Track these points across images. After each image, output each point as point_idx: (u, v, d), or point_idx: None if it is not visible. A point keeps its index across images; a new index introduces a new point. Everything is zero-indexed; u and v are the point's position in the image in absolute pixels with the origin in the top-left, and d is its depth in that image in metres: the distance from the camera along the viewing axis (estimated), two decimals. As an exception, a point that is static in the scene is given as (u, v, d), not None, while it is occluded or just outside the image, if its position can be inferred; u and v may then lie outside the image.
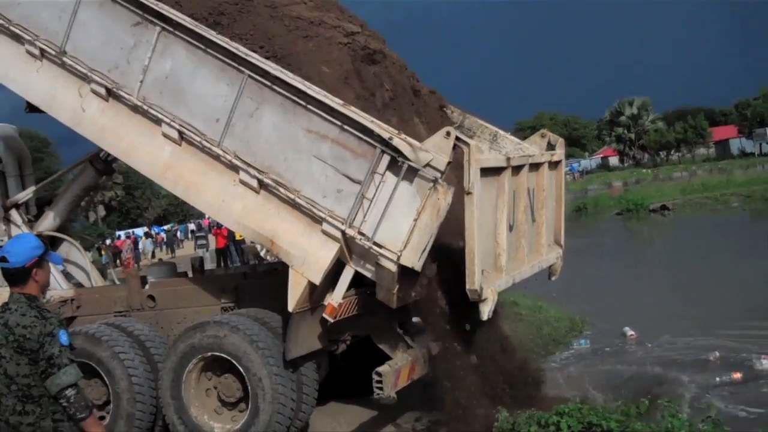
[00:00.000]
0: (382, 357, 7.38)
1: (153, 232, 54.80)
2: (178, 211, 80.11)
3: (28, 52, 8.09)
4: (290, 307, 6.89)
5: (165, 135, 7.41)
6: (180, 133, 7.32)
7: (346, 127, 6.55)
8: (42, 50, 7.97)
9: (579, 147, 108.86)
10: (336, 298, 6.80)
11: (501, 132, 9.07)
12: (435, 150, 6.24)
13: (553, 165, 8.52)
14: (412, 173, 6.32)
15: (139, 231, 56.64)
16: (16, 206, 9.74)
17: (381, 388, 6.83)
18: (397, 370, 7.05)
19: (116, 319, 8.41)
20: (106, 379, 7.77)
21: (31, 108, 8.61)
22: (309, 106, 6.70)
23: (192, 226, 62.19)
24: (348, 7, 8.96)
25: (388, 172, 6.42)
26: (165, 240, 52.03)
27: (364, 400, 8.12)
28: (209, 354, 7.33)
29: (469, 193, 6.33)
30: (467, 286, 6.47)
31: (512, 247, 7.30)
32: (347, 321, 7.21)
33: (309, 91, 6.65)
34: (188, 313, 8.10)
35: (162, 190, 77.18)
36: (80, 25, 7.77)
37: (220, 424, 7.46)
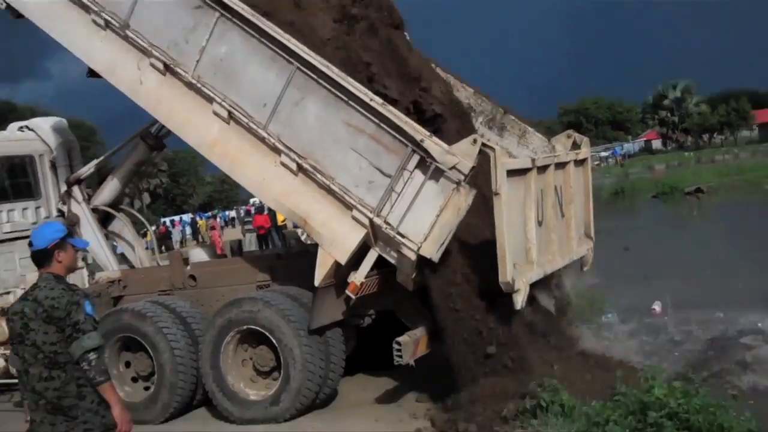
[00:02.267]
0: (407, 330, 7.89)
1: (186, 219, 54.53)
2: (222, 197, 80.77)
3: (94, 22, 8.60)
4: (316, 282, 7.58)
5: (215, 113, 8.00)
6: (229, 113, 7.91)
7: (382, 125, 7.13)
8: (107, 21, 8.50)
9: (623, 130, 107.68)
10: (359, 277, 7.45)
11: (530, 129, 9.50)
12: (461, 155, 6.80)
13: (579, 162, 8.93)
14: (438, 173, 6.90)
15: (186, 217, 56.61)
16: (78, 182, 10.32)
17: (401, 356, 7.39)
18: (416, 340, 7.61)
19: (160, 297, 9.04)
20: (150, 352, 8.44)
21: (92, 73, 9.17)
22: (350, 102, 7.27)
23: (232, 214, 62.88)
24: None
25: (416, 170, 7.02)
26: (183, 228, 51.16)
27: (391, 371, 8.61)
28: (245, 327, 8.01)
29: (497, 194, 6.78)
30: (500, 279, 6.84)
31: (542, 241, 7.71)
32: (371, 297, 7.85)
33: (351, 89, 7.22)
34: (226, 291, 8.64)
35: (206, 177, 78.13)
36: (144, 2, 8.31)
37: (255, 391, 8.18)
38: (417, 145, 6.94)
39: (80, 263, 10.01)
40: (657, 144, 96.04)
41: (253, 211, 31.95)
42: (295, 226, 11.42)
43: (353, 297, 7.52)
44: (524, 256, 7.36)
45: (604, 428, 5.56)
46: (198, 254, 10.16)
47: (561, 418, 6.56)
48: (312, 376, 7.79)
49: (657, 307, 12.05)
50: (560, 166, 8.34)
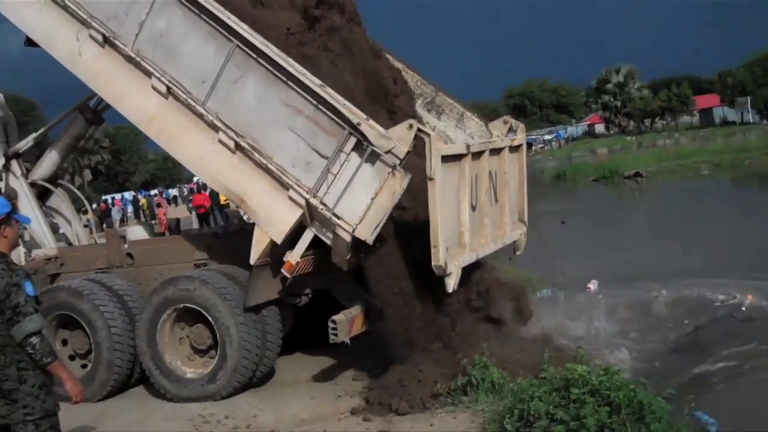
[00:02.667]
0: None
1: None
2: (165, 175, 79.32)
3: None
4: (252, 260, 7.62)
5: (154, 88, 7.93)
6: (168, 88, 7.84)
7: (320, 106, 7.16)
8: None
9: (567, 114, 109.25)
10: (295, 256, 7.51)
11: (468, 113, 9.62)
12: (397, 139, 6.88)
13: (515, 149, 9.08)
14: (374, 157, 6.98)
15: (127, 195, 55.62)
16: (17, 156, 10.10)
17: (336, 335, 7.51)
18: (351, 319, 7.71)
19: (97, 275, 8.95)
20: (87, 330, 8.41)
21: (30, 42, 8.99)
22: (289, 82, 7.28)
23: (174, 192, 61.99)
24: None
25: (353, 153, 7.09)
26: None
27: (328, 350, 8.79)
28: (181, 305, 8.02)
29: (431, 179, 6.90)
30: (432, 263, 6.95)
31: (475, 225, 7.88)
32: (307, 276, 7.92)
33: (290, 69, 7.22)
34: (163, 270, 8.63)
35: (149, 155, 76.62)
36: None
37: (192, 368, 8.20)
38: (354, 128, 7.00)
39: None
40: (600, 128, 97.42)
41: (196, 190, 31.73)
42: (238, 205, 11.40)
43: (289, 276, 7.57)
44: (457, 240, 7.51)
45: (530, 404, 5.72)
46: (136, 232, 10.09)
47: (490, 395, 6.82)
48: (249, 354, 7.86)
49: (592, 285, 12.48)
50: (495, 151, 8.49)
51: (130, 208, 48.64)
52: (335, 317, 7.57)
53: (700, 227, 17.81)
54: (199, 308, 7.93)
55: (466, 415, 6.71)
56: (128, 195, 55.67)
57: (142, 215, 44.31)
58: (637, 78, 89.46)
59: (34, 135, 10.44)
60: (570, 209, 26.23)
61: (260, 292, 7.85)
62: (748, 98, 74.13)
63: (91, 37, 8.19)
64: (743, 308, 10.22)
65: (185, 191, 49.04)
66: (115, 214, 43.98)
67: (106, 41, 8.13)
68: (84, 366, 8.60)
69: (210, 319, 7.90)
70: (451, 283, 7.16)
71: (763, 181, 31.53)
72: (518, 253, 9.27)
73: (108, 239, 9.67)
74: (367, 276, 7.49)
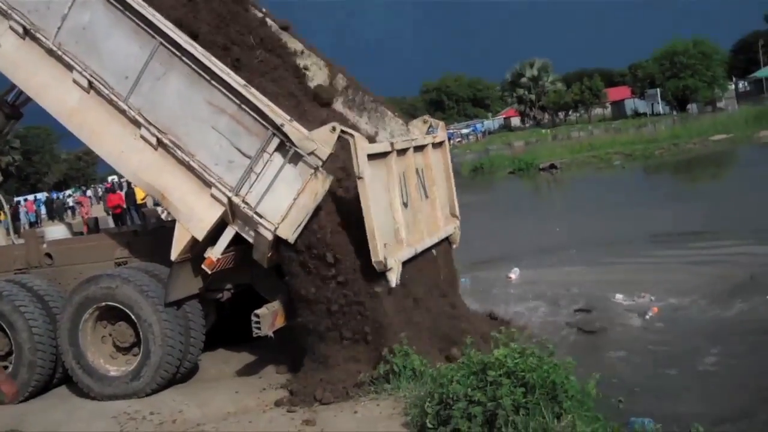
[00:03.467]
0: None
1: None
2: (79, 175, 77.59)
3: None
4: (173, 257, 7.70)
5: (75, 81, 7.88)
6: (90, 82, 7.82)
7: (244, 106, 7.26)
8: None
9: (483, 108, 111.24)
10: (215, 253, 7.63)
11: (389, 112, 9.79)
12: (320, 141, 7.06)
13: (438, 145, 9.32)
14: (297, 158, 7.14)
15: (40, 196, 53.99)
16: None
17: (259, 328, 7.63)
18: (274, 312, 7.82)
19: (16, 276, 8.88)
20: (8, 331, 8.34)
21: None
22: (212, 81, 7.35)
23: (90, 193, 60.11)
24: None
25: (276, 153, 7.23)
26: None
27: (251, 345, 8.84)
28: (103, 304, 7.99)
29: (360, 178, 7.08)
30: (372, 259, 7.09)
31: (409, 221, 8.06)
32: (229, 271, 8.03)
33: (214, 68, 7.30)
34: (84, 269, 8.60)
35: (62, 155, 74.09)
36: None
37: (115, 366, 8.18)
38: (277, 129, 7.13)
39: None
40: (516, 121, 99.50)
41: (112, 190, 31.12)
42: (156, 204, 11.34)
43: (209, 272, 7.68)
44: (393, 237, 7.67)
45: (448, 388, 5.95)
46: (54, 232, 9.97)
47: (412, 382, 7.06)
48: (172, 351, 7.91)
49: (513, 274, 12.97)
50: (419, 149, 8.71)
51: (43, 210, 47.04)
52: (258, 311, 7.69)
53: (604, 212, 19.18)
54: (121, 306, 7.92)
55: (388, 402, 6.93)
56: (41, 196, 53.82)
57: (56, 216, 42.81)
58: (550, 72, 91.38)
59: None
60: (485, 201, 26.96)
61: (180, 287, 7.92)
62: (658, 90, 76.42)
63: (11, 28, 8.09)
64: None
65: (100, 191, 47.68)
66: (24, 218, 42.46)
67: (27, 33, 8.04)
68: (5, 367, 8.49)
69: (132, 316, 7.91)
70: (393, 278, 7.31)
71: (671, 170, 32.88)
72: (455, 246, 9.42)
73: (26, 239, 9.54)
74: (287, 271, 7.60)
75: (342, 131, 7.10)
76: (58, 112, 8.15)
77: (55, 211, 45.06)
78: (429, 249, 8.51)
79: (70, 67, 7.89)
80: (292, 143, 7.10)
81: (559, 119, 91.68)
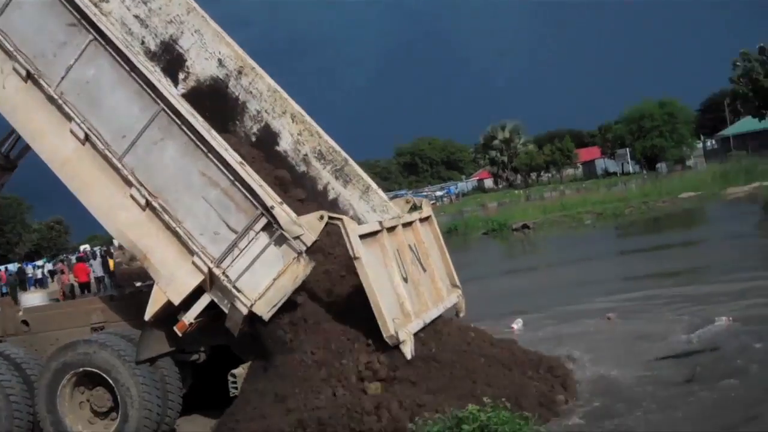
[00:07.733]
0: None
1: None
2: (51, 245, 76.94)
3: None
4: (146, 317, 7.82)
5: (72, 132, 8.01)
6: (87, 135, 7.95)
7: (236, 182, 7.46)
8: None
9: (457, 170, 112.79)
10: (189, 317, 7.77)
11: (373, 186, 9.91)
12: (307, 227, 7.27)
13: (425, 220, 9.54)
14: (282, 240, 7.34)
15: (12, 267, 52.97)
16: None
17: (236, 387, 7.77)
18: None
19: None
20: None
21: None
22: (209, 154, 7.54)
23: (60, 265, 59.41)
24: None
25: (262, 232, 7.44)
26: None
27: (226, 408, 8.49)
28: (81, 369, 8.06)
29: (357, 258, 7.29)
30: (384, 335, 7.28)
31: (412, 294, 8.24)
32: (204, 333, 8.12)
33: (212, 142, 7.50)
34: (61, 335, 8.72)
35: (33, 225, 73.36)
36: (17, 5, 8.15)
37: (93, 431, 8.22)
38: (267, 210, 7.33)
39: None
40: (489, 183, 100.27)
41: (85, 259, 31.11)
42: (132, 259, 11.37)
43: (180, 334, 7.79)
44: (400, 311, 7.79)
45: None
46: (30, 299, 10.08)
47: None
48: (150, 414, 7.95)
49: (516, 325, 13.04)
50: (407, 225, 8.93)
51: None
52: (234, 371, 7.86)
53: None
54: (99, 371, 7.99)
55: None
56: (12, 266, 52.84)
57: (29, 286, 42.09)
58: (522, 133, 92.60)
59: None
60: (462, 261, 27.23)
61: (152, 346, 8.03)
62: (627, 150, 77.74)
63: (14, 70, 8.17)
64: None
65: (73, 260, 46.79)
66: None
67: (29, 77, 8.14)
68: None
69: (110, 381, 7.97)
70: (408, 350, 7.43)
71: (638, 229, 33.37)
72: (461, 315, 9.57)
73: (2, 307, 9.60)
74: (264, 340, 7.72)
75: (330, 217, 7.32)
76: (50, 160, 8.23)
77: (22, 283, 43.94)
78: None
79: (68, 117, 8.02)
80: (280, 226, 7.28)
81: (531, 180, 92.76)
